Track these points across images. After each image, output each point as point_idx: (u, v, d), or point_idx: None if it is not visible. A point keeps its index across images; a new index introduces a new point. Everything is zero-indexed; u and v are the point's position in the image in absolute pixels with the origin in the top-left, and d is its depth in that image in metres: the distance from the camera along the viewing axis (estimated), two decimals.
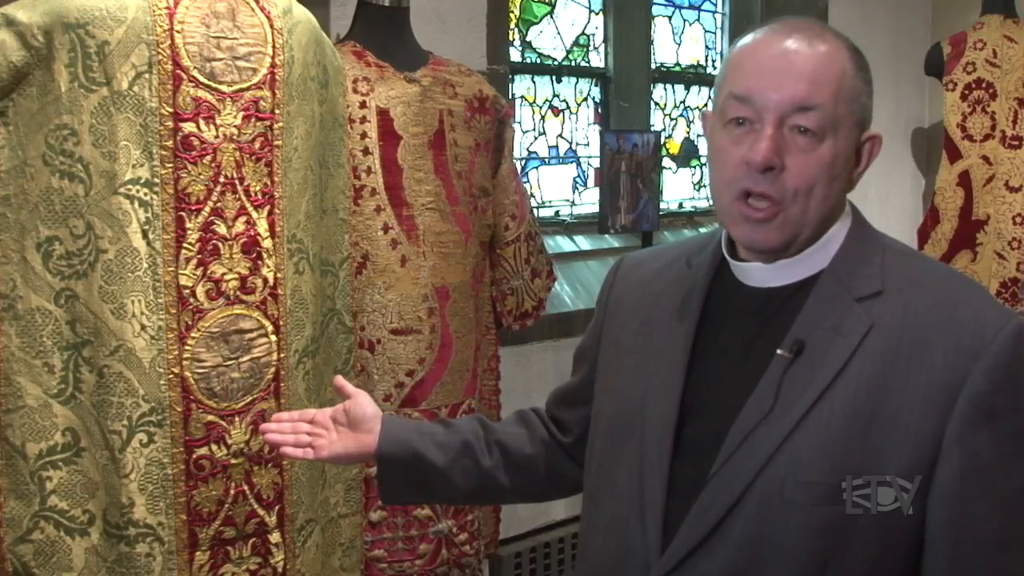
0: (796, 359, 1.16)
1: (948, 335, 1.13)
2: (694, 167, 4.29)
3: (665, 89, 4.11)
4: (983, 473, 1.12)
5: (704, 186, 4.32)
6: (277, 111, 1.81)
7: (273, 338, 1.82)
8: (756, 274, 1.24)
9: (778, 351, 1.17)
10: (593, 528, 1.32)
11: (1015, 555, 1.14)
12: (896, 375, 1.13)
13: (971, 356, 1.12)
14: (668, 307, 1.29)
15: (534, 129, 3.63)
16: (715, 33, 4.33)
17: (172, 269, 1.70)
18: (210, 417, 1.75)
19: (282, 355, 1.83)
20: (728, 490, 1.15)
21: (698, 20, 4.25)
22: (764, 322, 1.21)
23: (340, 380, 1.47)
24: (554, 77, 3.68)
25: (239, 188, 1.77)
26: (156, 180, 1.69)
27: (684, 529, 1.17)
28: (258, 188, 1.79)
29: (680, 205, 4.20)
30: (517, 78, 3.51)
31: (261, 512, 1.82)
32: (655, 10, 3.97)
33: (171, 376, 1.71)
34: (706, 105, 4.30)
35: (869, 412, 1.13)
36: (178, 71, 1.69)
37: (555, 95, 3.70)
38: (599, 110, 3.87)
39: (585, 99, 3.82)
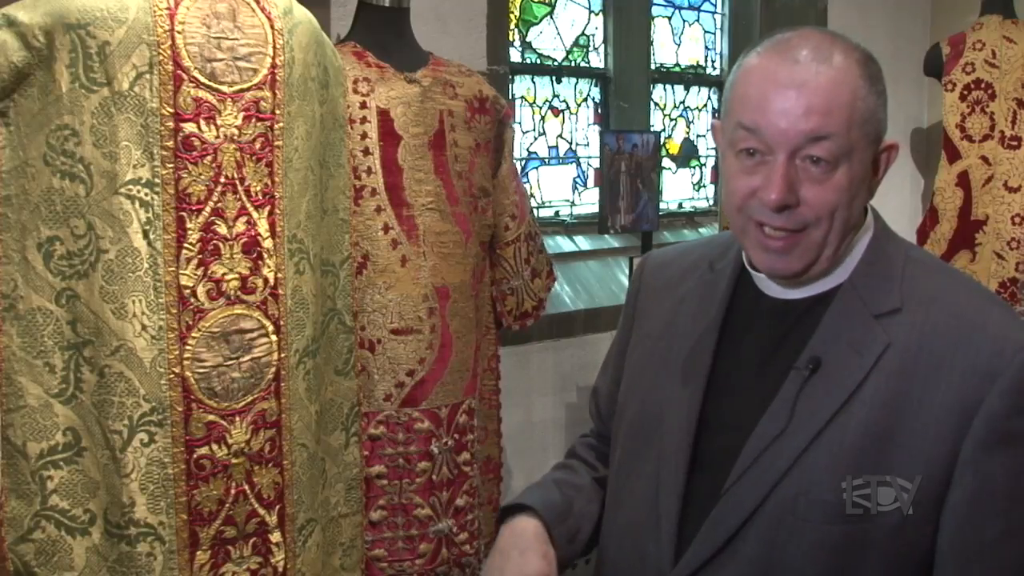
0: (812, 376, 1.14)
1: (966, 355, 1.10)
2: (694, 167, 4.29)
3: (665, 89, 4.12)
4: (996, 497, 1.10)
5: (703, 186, 4.32)
6: (278, 111, 1.81)
7: (274, 338, 1.82)
8: (775, 285, 1.22)
9: (794, 367, 1.15)
10: (611, 533, 1.32)
11: None
12: (911, 396, 1.11)
13: (989, 378, 1.09)
14: (690, 314, 1.27)
15: (534, 129, 3.64)
16: (715, 34, 4.33)
17: (173, 269, 1.71)
18: (211, 417, 1.75)
19: (283, 355, 1.83)
20: (741, 506, 1.14)
21: (698, 21, 4.25)
22: (782, 335, 1.19)
23: None
24: (554, 77, 3.68)
25: (240, 188, 1.77)
26: (157, 180, 1.69)
27: (696, 542, 1.16)
28: (259, 188, 1.79)
29: (680, 205, 4.20)
30: (517, 78, 3.52)
31: (262, 512, 1.82)
32: (655, 11, 3.98)
33: (172, 376, 1.71)
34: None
35: (882, 433, 1.11)
36: (179, 71, 1.70)
37: (555, 95, 3.70)
38: (599, 110, 3.88)
39: (585, 99, 3.82)
